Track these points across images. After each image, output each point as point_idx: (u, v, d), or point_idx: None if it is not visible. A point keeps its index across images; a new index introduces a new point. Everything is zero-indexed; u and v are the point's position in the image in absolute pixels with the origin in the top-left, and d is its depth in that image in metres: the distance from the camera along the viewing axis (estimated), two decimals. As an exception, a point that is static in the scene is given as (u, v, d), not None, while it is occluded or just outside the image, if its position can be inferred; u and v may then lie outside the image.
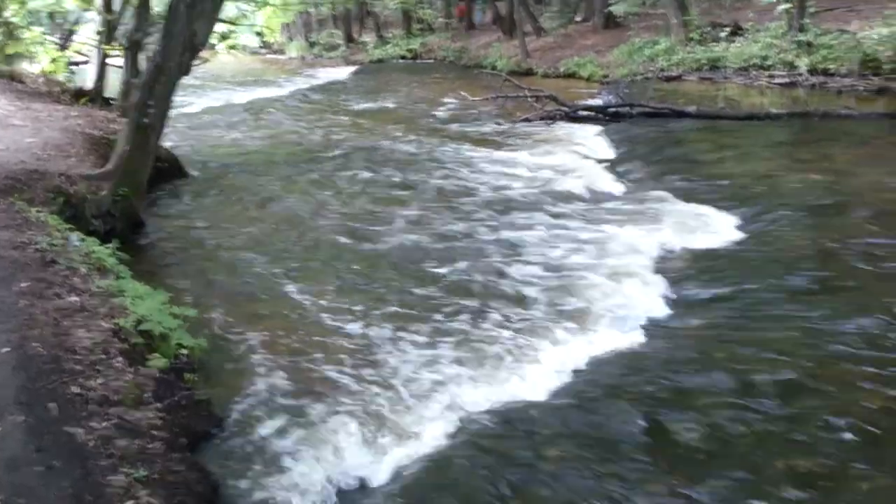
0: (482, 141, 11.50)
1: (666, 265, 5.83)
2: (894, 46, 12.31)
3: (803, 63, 11.96)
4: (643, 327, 4.85)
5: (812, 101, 11.29)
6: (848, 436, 3.42)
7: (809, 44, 12.15)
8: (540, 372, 4.34)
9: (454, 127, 12.96)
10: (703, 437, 3.49)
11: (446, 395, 4.07)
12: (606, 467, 3.35)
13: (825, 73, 12.00)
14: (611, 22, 20.68)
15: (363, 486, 3.46)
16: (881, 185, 7.09)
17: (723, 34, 14.84)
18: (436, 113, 14.80)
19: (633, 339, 4.70)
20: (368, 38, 34.10)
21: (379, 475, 3.51)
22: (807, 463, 3.28)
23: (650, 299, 5.23)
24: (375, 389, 4.13)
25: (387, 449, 3.66)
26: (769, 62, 12.52)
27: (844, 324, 4.42)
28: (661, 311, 5.09)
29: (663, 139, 10.49)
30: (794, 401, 3.73)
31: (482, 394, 4.10)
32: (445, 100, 16.17)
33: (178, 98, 7.46)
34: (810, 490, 3.14)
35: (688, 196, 7.48)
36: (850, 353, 4.11)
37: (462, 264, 6.00)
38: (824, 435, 3.45)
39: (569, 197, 7.98)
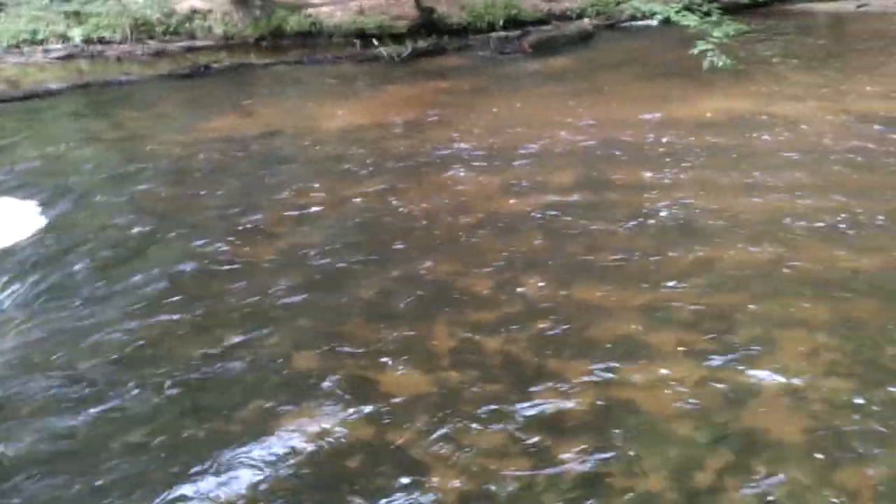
0: None
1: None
2: (160, 9, 12.84)
3: (76, 33, 11.60)
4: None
5: (94, 71, 11.04)
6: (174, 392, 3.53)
7: (77, 13, 11.82)
8: None
9: None
10: (34, 443, 3.24)
11: None
12: None
13: (101, 41, 11.88)
14: None
15: None
16: (173, 141, 7.38)
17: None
18: None
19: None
20: None
21: None
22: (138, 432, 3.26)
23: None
24: None
25: None
26: (40, 36, 11.82)
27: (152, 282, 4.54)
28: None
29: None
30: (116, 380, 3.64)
31: None
32: None
33: None
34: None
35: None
36: (162, 306, 4.26)
37: None
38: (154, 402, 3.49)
39: None
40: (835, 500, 2.64)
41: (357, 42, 12.32)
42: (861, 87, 7.76)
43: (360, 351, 3.78)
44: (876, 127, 6.39)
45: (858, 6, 12.71)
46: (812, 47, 10.41)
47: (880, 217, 4.72)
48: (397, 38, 12.13)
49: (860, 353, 3.42)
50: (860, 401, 3.12)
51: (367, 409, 3.34)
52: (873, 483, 2.69)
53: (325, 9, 13.81)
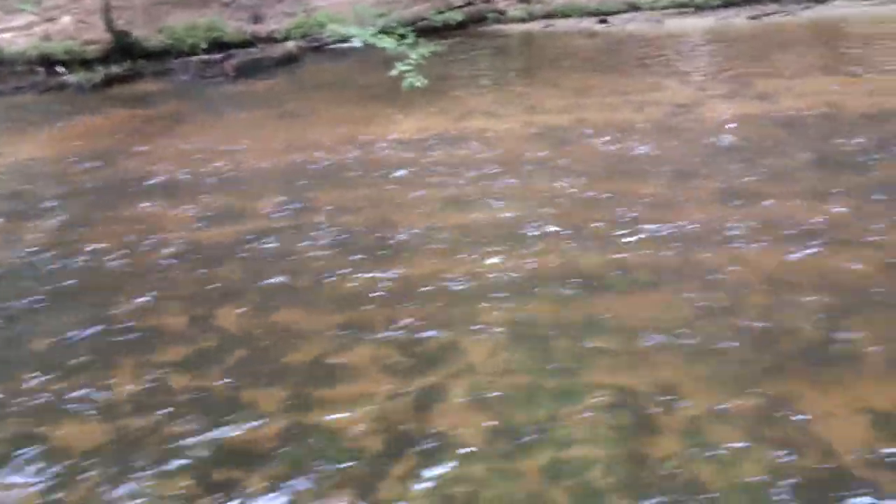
0: None
1: None
2: None
3: None
4: None
5: None
6: None
7: None
8: None
9: None
10: None
11: None
12: None
13: None
14: None
15: None
16: None
17: None
18: None
19: None
20: None
21: None
22: None
23: None
24: None
25: None
26: None
27: None
28: None
29: None
30: None
31: None
32: None
33: None
34: None
35: None
36: None
37: None
38: None
39: None
40: (508, 488, 2.80)
41: (42, 70, 11.31)
42: (546, 100, 8.44)
43: (29, 408, 3.42)
44: (557, 136, 6.99)
45: (545, 26, 13.94)
46: (503, 65, 11.23)
47: (563, 222, 5.10)
48: (88, 64, 11.29)
49: (534, 351, 3.67)
50: (532, 394, 3.34)
51: (35, 470, 3.01)
52: (540, 467, 2.90)
53: (4, 35, 12.53)
